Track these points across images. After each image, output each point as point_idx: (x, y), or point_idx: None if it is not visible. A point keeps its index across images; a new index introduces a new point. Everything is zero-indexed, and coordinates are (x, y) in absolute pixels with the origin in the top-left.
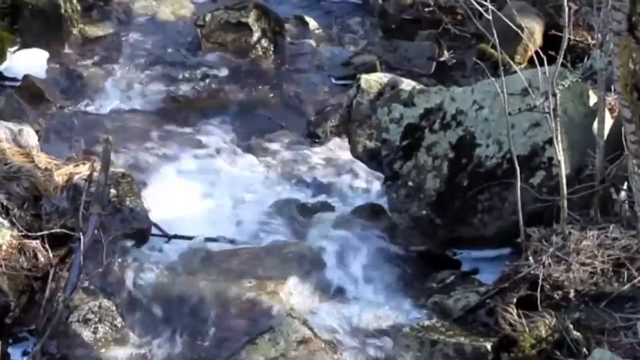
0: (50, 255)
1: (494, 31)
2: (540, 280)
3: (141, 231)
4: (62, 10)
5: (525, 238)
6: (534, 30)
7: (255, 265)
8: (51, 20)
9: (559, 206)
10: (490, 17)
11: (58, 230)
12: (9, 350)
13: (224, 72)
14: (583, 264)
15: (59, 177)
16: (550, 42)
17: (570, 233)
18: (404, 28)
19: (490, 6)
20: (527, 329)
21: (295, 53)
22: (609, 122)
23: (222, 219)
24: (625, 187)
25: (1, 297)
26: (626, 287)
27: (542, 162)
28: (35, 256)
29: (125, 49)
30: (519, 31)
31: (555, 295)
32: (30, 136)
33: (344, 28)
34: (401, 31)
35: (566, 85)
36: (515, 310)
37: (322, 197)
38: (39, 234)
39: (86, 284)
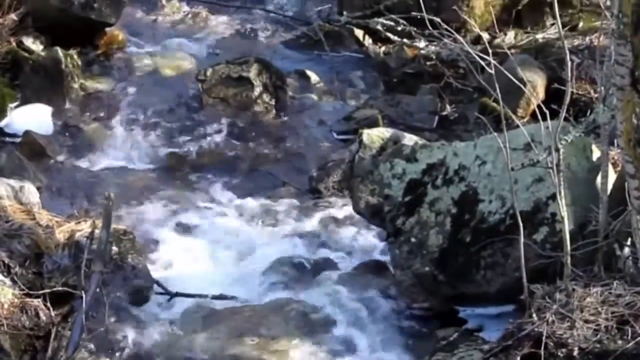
0: (52, 313)
1: (496, 85)
2: (544, 338)
3: (143, 289)
4: (63, 65)
5: (528, 295)
6: (536, 83)
7: (258, 323)
8: (52, 75)
9: (563, 262)
10: (492, 71)
11: (60, 288)
12: None
13: (225, 127)
14: (587, 321)
15: (61, 234)
16: (553, 96)
17: (573, 290)
18: (406, 82)
19: (492, 60)
20: None
21: (297, 107)
22: (612, 177)
23: (224, 277)
24: (629, 243)
25: (3, 357)
26: (630, 344)
27: (546, 218)
28: (37, 315)
29: (126, 103)
30: (521, 85)
31: (559, 353)
32: (31, 193)
33: (345, 82)
34: (403, 85)
35: (569, 140)
36: None
37: (324, 254)
38: (40, 292)
39: (88, 342)
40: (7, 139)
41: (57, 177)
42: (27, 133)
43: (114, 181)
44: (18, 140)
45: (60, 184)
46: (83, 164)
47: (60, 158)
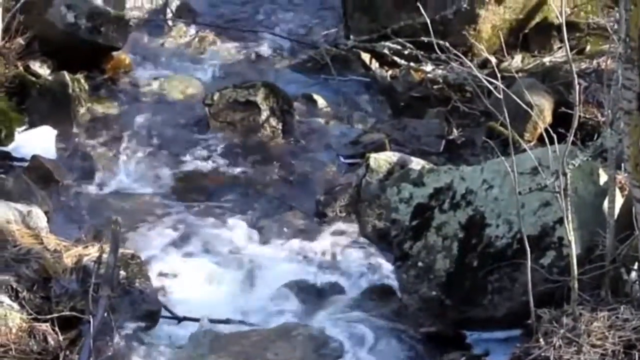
0: (60, 338)
1: (504, 109)
2: None
3: (151, 313)
4: (70, 89)
5: (535, 319)
6: (543, 107)
7: (265, 347)
8: (59, 99)
9: (570, 287)
10: (500, 95)
11: (68, 312)
12: None
13: (232, 151)
14: (594, 346)
15: (68, 258)
16: (560, 120)
17: (581, 314)
18: (413, 106)
19: (499, 84)
20: None
21: (304, 132)
22: (619, 201)
23: (232, 301)
24: (636, 267)
25: None
26: None
27: (553, 242)
28: (45, 339)
29: (133, 127)
30: (529, 109)
31: None
32: (39, 217)
33: (352, 106)
34: (410, 109)
35: (576, 165)
36: None
37: (331, 278)
38: (48, 316)
39: None
40: (15, 163)
41: (64, 201)
42: (34, 157)
43: (122, 205)
44: (25, 164)
45: (68, 208)
46: (90, 188)
47: (68, 182)
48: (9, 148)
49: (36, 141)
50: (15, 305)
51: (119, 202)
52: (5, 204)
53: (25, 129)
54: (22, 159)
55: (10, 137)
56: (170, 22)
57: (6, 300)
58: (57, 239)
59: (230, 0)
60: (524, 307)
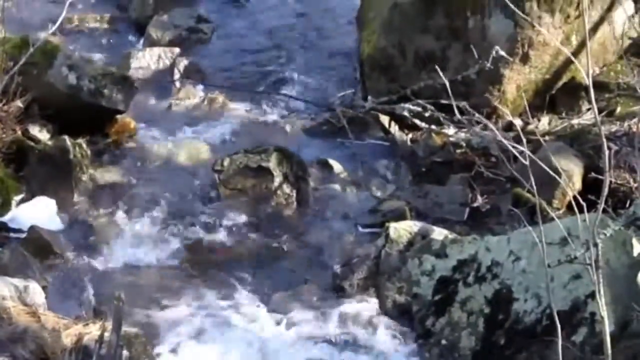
0: None
1: (530, 175)
2: None
3: None
4: (71, 155)
5: None
6: (572, 173)
7: None
8: (59, 166)
9: None
10: (526, 161)
11: None
12: None
13: (243, 221)
14: None
15: (68, 338)
16: (590, 186)
17: None
18: (435, 171)
19: (525, 149)
20: None
21: (320, 199)
22: None
23: None
24: None
25: None
26: None
27: (584, 318)
28: None
29: (138, 196)
30: (556, 176)
31: None
32: (36, 293)
33: (371, 172)
34: (431, 175)
35: (608, 234)
36: None
37: (349, 357)
38: None
39: None
40: (11, 234)
41: (64, 276)
42: (32, 228)
43: (125, 280)
44: (23, 235)
45: (68, 283)
46: (92, 261)
47: (68, 255)
48: (6, 218)
49: (34, 211)
50: None
51: (122, 276)
52: (1, 279)
53: (23, 198)
54: (19, 230)
55: (6, 207)
56: (177, 83)
57: None
58: (55, 316)
59: (241, 60)
60: None
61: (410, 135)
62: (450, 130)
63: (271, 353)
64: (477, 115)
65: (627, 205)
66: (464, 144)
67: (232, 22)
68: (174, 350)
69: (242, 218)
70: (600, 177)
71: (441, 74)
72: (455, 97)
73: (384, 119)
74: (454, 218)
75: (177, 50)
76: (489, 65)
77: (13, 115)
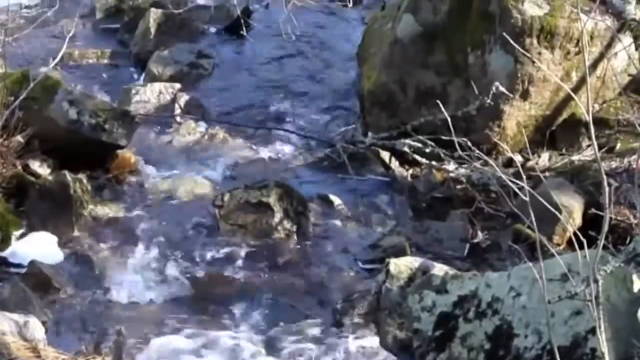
0: None
1: (530, 211)
2: None
3: None
4: (72, 190)
5: None
6: (572, 209)
7: None
8: (60, 201)
9: None
10: (526, 198)
11: None
12: None
13: (243, 256)
14: None
15: None
16: (591, 222)
17: None
18: (435, 207)
19: (525, 185)
20: None
21: (320, 235)
22: None
23: None
24: None
25: None
26: None
27: (585, 354)
28: None
29: (138, 231)
30: (556, 212)
31: None
32: (36, 329)
33: (371, 207)
34: (432, 210)
35: (608, 271)
36: None
37: None
38: None
39: None
40: (11, 269)
41: (64, 311)
42: (32, 263)
43: (126, 315)
44: (23, 270)
45: (68, 318)
46: (92, 296)
47: (68, 290)
48: (6, 253)
49: (35, 246)
50: None
51: (123, 312)
52: (1, 314)
53: (23, 233)
54: (19, 265)
55: (7, 242)
56: (178, 119)
57: None
58: (56, 351)
59: (242, 95)
60: None
61: (410, 171)
62: (451, 166)
63: None
64: (477, 151)
65: (628, 241)
66: (465, 180)
67: (232, 57)
68: None
69: (243, 253)
70: (600, 213)
71: (443, 109)
72: (456, 133)
73: (385, 155)
74: (454, 254)
75: (177, 85)
76: (489, 101)
77: (13, 150)
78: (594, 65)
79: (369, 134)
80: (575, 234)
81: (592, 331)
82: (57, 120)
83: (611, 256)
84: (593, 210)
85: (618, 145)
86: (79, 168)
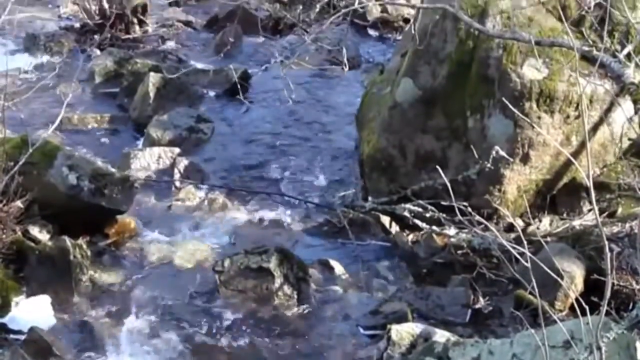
0: None
1: (532, 277)
2: None
3: None
4: (71, 256)
5: None
6: (574, 274)
7: None
8: (59, 266)
9: None
10: (527, 264)
11: None
12: None
13: (244, 322)
14: None
15: None
16: (593, 288)
17: None
18: (436, 272)
19: (526, 251)
20: None
21: (321, 300)
22: None
23: None
24: None
25: None
26: None
27: None
28: None
29: (138, 297)
30: (558, 278)
31: None
32: None
33: (372, 273)
34: (433, 276)
35: (611, 338)
36: None
37: None
38: None
39: None
40: (11, 335)
41: None
42: (32, 329)
43: None
44: (22, 337)
45: None
46: None
47: (69, 357)
48: (5, 319)
49: (34, 312)
50: None
51: None
52: None
53: (23, 299)
54: (19, 332)
55: (6, 308)
56: (177, 184)
57: None
58: None
59: (241, 159)
60: None
61: (411, 236)
62: (451, 231)
63: None
64: (477, 216)
65: (630, 307)
66: (465, 245)
67: (231, 121)
68: None
69: (243, 319)
70: (602, 278)
71: (442, 173)
72: (456, 198)
73: (385, 220)
74: (456, 320)
75: (177, 150)
76: (489, 165)
77: (13, 215)
78: (594, 130)
79: (369, 198)
80: (577, 299)
81: None
82: (57, 186)
83: (614, 323)
84: (595, 276)
85: (619, 210)
86: (78, 233)
